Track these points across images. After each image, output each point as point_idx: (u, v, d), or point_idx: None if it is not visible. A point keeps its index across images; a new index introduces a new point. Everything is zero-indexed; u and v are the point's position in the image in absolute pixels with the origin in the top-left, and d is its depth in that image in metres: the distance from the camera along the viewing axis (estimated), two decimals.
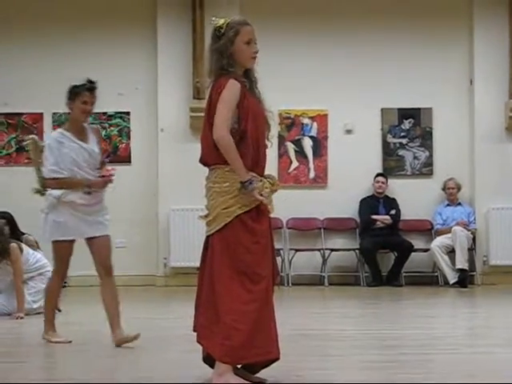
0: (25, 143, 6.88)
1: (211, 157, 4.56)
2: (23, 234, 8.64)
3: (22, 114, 11.64)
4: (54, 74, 11.55)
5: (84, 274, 10.99)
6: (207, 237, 4.62)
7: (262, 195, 4.50)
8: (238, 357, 4.45)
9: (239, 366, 4.56)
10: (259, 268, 4.47)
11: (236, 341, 4.40)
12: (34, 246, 8.60)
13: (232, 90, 4.49)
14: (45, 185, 6.22)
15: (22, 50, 11.58)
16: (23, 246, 8.16)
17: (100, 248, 6.16)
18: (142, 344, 6.03)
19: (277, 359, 4.57)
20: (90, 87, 6.18)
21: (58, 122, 11.58)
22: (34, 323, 7.60)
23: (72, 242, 6.20)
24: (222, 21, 4.57)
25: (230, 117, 4.48)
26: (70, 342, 6.18)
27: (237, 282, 4.45)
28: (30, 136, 6.62)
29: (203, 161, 4.65)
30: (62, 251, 6.18)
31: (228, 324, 4.41)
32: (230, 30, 4.53)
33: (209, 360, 4.62)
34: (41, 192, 6.28)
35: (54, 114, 11.58)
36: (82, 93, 6.16)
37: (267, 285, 4.49)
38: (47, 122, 11.61)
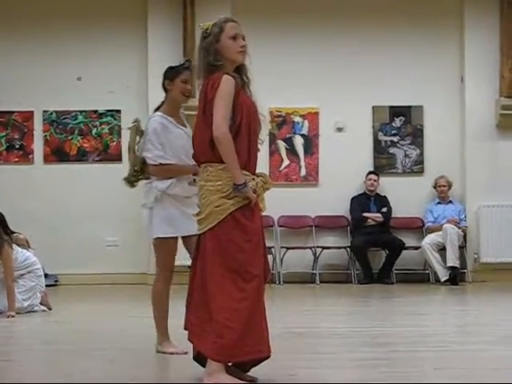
0: (127, 127, 6.24)
1: (205, 154, 4.55)
2: (13, 232, 8.61)
3: (12, 112, 11.60)
4: (45, 73, 11.54)
5: (74, 272, 11.04)
6: (199, 235, 4.62)
7: (255, 192, 4.50)
8: (229, 355, 4.44)
9: (230, 364, 4.55)
10: (251, 266, 4.46)
11: (228, 339, 4.39)
12: (25, 244, 8.57)
13: (227, 85, 4.48)
14: (143, 172, 5.67)
15: (13, 48, 11.54)
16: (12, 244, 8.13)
17: (192, 247, 5.38)
18: (132, 343, 6.02)
19: (268, 357, 4.57)
20: (189, 66, 5.68)
21: (48, 120, 11.58)
22: (24, 322, 7.59)
23: (177, 238, 5.57)
24: (208, 23, 4.65)
25: (229, 113, 4.48)
26: (186, 353, 5.23)
27: (229, 280, 4.44)
28: (135, 119, 6.01)
29: (195, 158, 4.66)
30: (170, 248, 5.53)
31: (221, 322, 4.40)
32: (215, 27, 4.59)
33: (199, 358, 4.62)
34: (132, 183, 5.82)
35: (45, 111, 11.57)
36: (182, 71, 5.67)
37: (259, 283, 4.48)
38: (38, 120, 11.59)
